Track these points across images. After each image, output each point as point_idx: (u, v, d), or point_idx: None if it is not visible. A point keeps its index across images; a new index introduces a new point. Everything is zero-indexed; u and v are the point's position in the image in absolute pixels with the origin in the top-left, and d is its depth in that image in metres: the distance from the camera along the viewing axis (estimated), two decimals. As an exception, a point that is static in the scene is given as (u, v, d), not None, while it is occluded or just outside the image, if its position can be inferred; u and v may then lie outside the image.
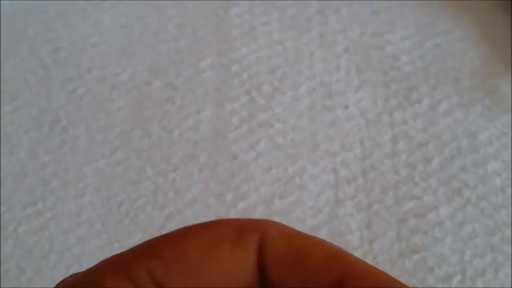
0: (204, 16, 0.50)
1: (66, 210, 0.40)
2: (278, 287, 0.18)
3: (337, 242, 0.39)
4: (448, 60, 0.47)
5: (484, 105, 0.44)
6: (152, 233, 0.39)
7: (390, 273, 0.35)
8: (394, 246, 0.38)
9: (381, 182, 0.41)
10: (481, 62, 0.47)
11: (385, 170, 0.41)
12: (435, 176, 0.41)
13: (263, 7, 0.51)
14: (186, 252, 0.18)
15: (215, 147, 0.43)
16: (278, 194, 0.41)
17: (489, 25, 0.49)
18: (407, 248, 0.38)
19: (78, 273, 0.20)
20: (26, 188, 0.41)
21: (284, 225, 0.20)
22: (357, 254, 0.38)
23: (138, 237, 0.39)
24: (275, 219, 0.42)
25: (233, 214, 0.40)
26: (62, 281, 0.21)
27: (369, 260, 0.38)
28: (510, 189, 0.40)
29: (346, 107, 0.45)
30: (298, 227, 0.41)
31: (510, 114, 0.44)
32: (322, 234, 0.39)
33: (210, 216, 0.40)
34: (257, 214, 0.40)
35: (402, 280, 0.36)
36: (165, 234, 0.19)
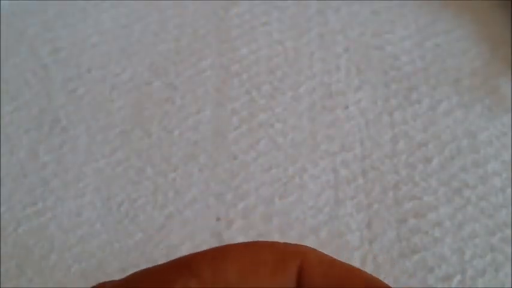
0: (204, 16, 0.50)
1: (66, 210, 0.40)
2: None
3: (337, 242, 0.39)
4: (448, 60, 0.47)
5: (484, 105, 0.44)
6: (152, 233, 0.39)
7: (390, 273, 0.35)
8: (394, 246, 0.38)
9: (381, 182, 0.41)
10: (481, 62, 0.47)
11: (385, 170, 0.41)
12: (435, 176, 0.41)
13: (263, 7, 0.51)
14: (225, 272, 0.18)
15: (215, 147, 0.43)
16: (278, 194, 0.41)
17: (489, 25, 0.49)
18: (407, 248, 0.38)
19: (112, 281, 0.20)
20: (26, 188, 0.41)
21: (322, 253, 0.19)
22: (357, 254, 0.38)
23: (138, 237, 0.39)
24: (275, 219, 0.42)
25: (233, 214, 0.40)
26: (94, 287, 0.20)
27: (369, 260, 0.38)
28: (510, 189, 0.40)
29: (346, 107, 0.45)
30: (298, 227, 0.42)
31: (510, 114, 0.44)
32: (322, 234, 0.39)
33: (210, 216, 0.40)
34: (257, 214, 0.40)
35: (402, 280, 0.37)
36: (204, 251, 0.19)
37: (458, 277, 0.37)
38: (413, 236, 0.38)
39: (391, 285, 0.36)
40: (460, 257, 0.38)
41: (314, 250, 0.19)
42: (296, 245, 0.19)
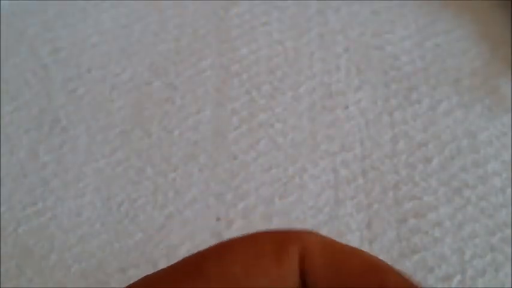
0: (204, 16, 0.50)
1: (66, 210, 0.40)
2: None
3: (337, 242, 0.39)
4: (448, 60, 0.47)
5: (484, 105, 0.44)
6: (152, 233, 0.39)
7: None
8: (394, 246, 0.38)
9: (381, 182, 0.41)
10: (481, 62, 0.47)
11: (385, 170, 0.41)
12: (435, 176, 0.41)
13: (263, 7, 0.51)
14: (231, 267, 0.18)
15: (215, 147, 0.43)
16: (278, 194, 0.41)
17: (489, 25, 0.49)
18: (407, 248, 0.38)
19: None
20: (26, 188, 0.41)
21: (323, 236, 0.20)
22: (357, 254, 0.38)
23: (138, 237, 0.39)
24: (275, 219, 0.42)
25: (233, 214, 0.40)
26: None
27: (369, 260, 0.38)
28: (510, 189, 0.40)
29: (346, 107, 0.45)
30: (298, 227, 0.41)
31: (510, 114, 0.44)
32: (322, 234, 0.39)
33: (210, 216, 0.40)
34: (257, 214, 0.40)
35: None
36: (208, 249, 0.19)
37: (458, 277, 0.37)
38: (413, 236, 0.38)
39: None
40: (460, 257, 0.38)
41: (314, 233, 0.20)
42: (297, 230, 0.19)
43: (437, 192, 0.40)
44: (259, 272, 0.18)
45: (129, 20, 0.50)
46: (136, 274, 0.38)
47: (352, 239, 0.38)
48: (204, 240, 0.39)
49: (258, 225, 0.39)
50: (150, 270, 0.39)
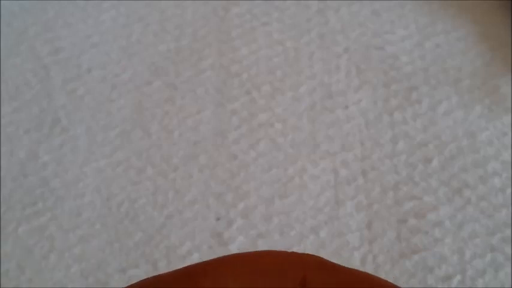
0: (204, 16, 0.50)
1: (66, 210, 0.40)
2: None
3: (337, 242, 0.39)
4: (448, 60, 0.47)
5: (484, 105, 0.44)
6: (152, 233, 0.39)
7: (390, 273, 0.35)
8: (394, 246, 0.38)
9: (381, 182, 0.41)
10: (481, 62, 0.47)
11: (385, 170, 0.41)
12: (435, 176, 0.41)
13: (263, 7, 0.51)
14: (226, 283, 0.18)
15: (215, 147, 0.43)
16: (278, 194, 0.41)
17: (489, 25, 0.49)
18: (407, 248, 0.38)
19: None
20: (26, 188, 0.41)
21: (324, 259, 0.19)
22: (357, 254, 0.38)
23: (138, 237, 0.39)
24: (275, 219, 0.42)
25: (233, 214, 0.40)
26: None
27: (369, 260, 0.38)
28: (510, 189, 0.40)
29: (346, 107, 0.45)
30: (298, 227, 0.42)
31: (510, 114, 0.44)
32: (322, 234, 0.39)
33: (210, 216, 0.40)
34: (257, 214, 0.40)
35: (402, 280, 0.36)
36: (207, 262, 0.19)
37: (458, 277, 0.37)
38: (413, 236, 0.38)
39: (391, 285, 0.36)
40: (460, 257, 0.38)
41: (316, 257, 0.19)
42: (299, 253, 0.19)
43: (437, 192, 0.40)
44: None
45: (129, 20, 0.50)
46: (136, 274, 0.38)
47: (352, 239, 0.38)
48: (204, 240, 0.39)
49: (258, 225, 0.39)
50: (150, 270, 0.39)
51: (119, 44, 0.49)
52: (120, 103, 0.45)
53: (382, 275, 0.37)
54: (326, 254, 0.37)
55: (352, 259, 0.38)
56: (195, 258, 0.38)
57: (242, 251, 0.36)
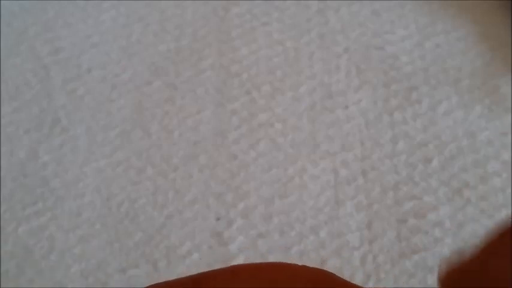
0: (204, 16, 0.50)
1: (66, 210, 0.40)
2: None
3: (337, 242, 0.39)
4: (448, 60, 0.47)
5: (484, 105, 0.44)
6: (152, 233, 0.39)
7: (390, 273, 0.35)
8: (394, 246, 0.38)
9: (381, 182, 0.41)
10: (481, 62, 0.47)
11: (385, 170, 0.41)
12: (435, 176, 0.41)
13: (263, 7, 0.51)
14: None
15: (215, 147, 0.43)
16: (278, 194, 0.41)
17: (489, 25, 0.49)
18: (407, 248, 0.38)
19: None
20: (26, 188, 0.41)
21: (335, 276, 0.19)
22: (357, 254, 0.38)
23: (138, 237, 0.39)
24: (275, 219, 0.42)
25: (233, 214, 0.40)
26: None
27: (369, 260, 0.38)
28: (510, 189, 0.40)
29: (346, 107, 0.45)
30: (298, 227, 0.41)
31: (510, 114, 0.44)
32: (322, 234, 0.39)
33: (210, 216, 0.40)
34: (257, 214, 0.40)
35: (402, 280, 0.36)
36: (216, 270, 0.19)
37: (458, 277, 0.37)
38: (413, 236, 0.38)
39: (391, 285, 0.36)
40: (460, 257, 0.38)
41: (328, 273, 0.19)
42: (311, 268, 0.19)
43: (437, 192, 0.40)
44: None
45: (129, 20, 0.50)
46: (136, 274, 0.38)
47: (352, 239, 0.39)
48: (204, 240, 0.39)
49: (258, 225, 0.39)
50: (150, 270, 0.39)
51: (119, 44, 0.49)
52: (120, 103, 0.45)
53: (382, 275, 0.37)
54: (326, 254, 0.37)
55: (352, 259, 0.38)
56: (195, 258, 0.38)
57: (243, 251, 0.36)
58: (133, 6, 0.51)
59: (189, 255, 0.38)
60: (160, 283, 0.20)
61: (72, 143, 0.43)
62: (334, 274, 0.19)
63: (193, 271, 0.20)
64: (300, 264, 0.19)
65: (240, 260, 0.38)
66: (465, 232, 0.39)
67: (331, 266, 0.38)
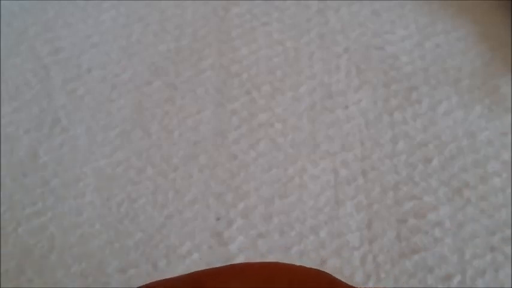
0: (204, 16, 0.50)
1: (66, 210, 0.40)
2: None
3: (337, 242, 0.39)
4: (448, 60, 0.47)
5: (484, 105, 0.44)
6: (152, 233, 0.39)
7: (390, 273, 0.35)
8: (394, 246, 0.38)
9: (381, 182, 0.41)
10: (481, 62, 0.47)
11: (385, 170, 0.41)
12: (435, 176, 0.41)
13: (263, 7, 0.51)
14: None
15: (215, 147, 0.43)
16: (278, 194, 0.41)
17: (489, 25, 0.49)
18: (407, 248, 0.38)
19: None
20: (26, 188, 0.41)
21: (337, 279, 0.19)
22: (357, 254, 0.38)
23: (138, 237, 0.39)
24: (275, 219, 0.42)
25: (233, 214, 0.40)
26: None
27: (369, 260, 0.38)
28: (510, 189, 0.40)
29: (346, 107, 0.45)
30: (298, 227, 0.41)
31: (510, 114, 0.44)
32: (322, 234, 0.39)
33: (210, 216, 0.40)
34: (257, 214, 0.40)
35: (402, 280, 0.37)
36: (218, 268, 0.19)
37: (458, 277, 0.37)
38: (413, 236, 0.38)
39: (391, 285, 0.36)
40: (460, 257, 0.38)
41: (327, 275, 0.19)
42: (309, 268, 0.19)
43: (437, 192, 0.40)
44: None
45: (129, 20, 0.50)
46: (137, 274, 0.38)
47: (352, 239, 0.38)
48: (204, 240, 0.39)
49: (258, 225, 0.39)
50: (150, 270, 0.39)
51: (119, 44, 0.49)
52: (120, 103, 0.45)
53: (382, 275, 0.37)
54: (326, 254, 0.37)
55: (352, 259, 0.38)
56: (195, 258, 0.38)
57: (243, 251, 0.36)
58: (133, 6, 0.51)
59: (189, 255, 0.38)
60: (161, 280, 0.20)
61: (72, 143, 0.43)
62: (331, 274, 0.19)
63: (193, 271, 0.20)
64: (298, 264, 0.19)
65: (240, 260, 0.38)
66: (465, 232, 0.39)
67: (331, 266, 0.38)
